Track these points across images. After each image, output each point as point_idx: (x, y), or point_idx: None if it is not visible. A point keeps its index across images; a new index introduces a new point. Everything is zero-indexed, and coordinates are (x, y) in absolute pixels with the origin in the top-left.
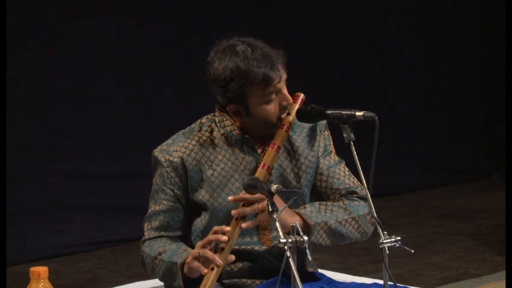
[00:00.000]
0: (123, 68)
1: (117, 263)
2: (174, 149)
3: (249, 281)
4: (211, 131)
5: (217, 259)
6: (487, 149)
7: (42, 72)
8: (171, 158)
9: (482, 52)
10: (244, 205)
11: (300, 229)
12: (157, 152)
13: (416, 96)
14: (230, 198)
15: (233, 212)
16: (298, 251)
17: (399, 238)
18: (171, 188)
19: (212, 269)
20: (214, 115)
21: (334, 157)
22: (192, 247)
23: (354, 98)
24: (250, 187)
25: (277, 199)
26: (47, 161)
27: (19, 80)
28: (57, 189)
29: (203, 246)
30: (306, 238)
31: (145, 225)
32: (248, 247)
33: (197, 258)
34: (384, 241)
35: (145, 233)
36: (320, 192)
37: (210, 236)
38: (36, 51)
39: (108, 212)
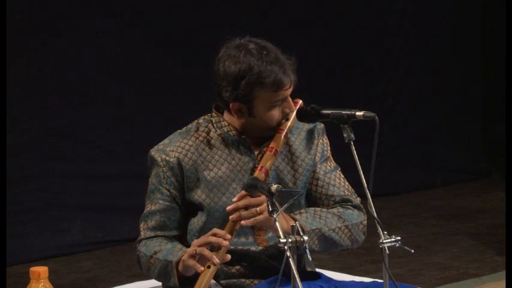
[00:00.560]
0: (123, 68)
1: (117, 263)
2: (170, 149)
3: (248, 281)
4: (208, 132)
5: (215, 257)
6: (487, 149)
7: (42, 72)
8: (167, 158)
9: (482, 52)
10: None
11: (300, 229)
12: (153, 152)
13: (416, 96)
14: (228, 208)
15: (231, 217)
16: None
17: (399, 238)
18: (167, 187)
19: (209, 267)
20: (211, 115)
21: (330, 163)
22: (188, 247)
23: (354, 98)
24: (250, 187)
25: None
26: (47, 161)
27: (19, 80)
28: (57, 189)
29: (200, 246)
30: (305, 238)
31: (142, 225)
32: (244, 248)
33: (193, 256)
34: (384, 241)
35: (141, 233)
36: (315, 198)
37: (211, 238)
38: (36, 51)
39: (108, 212)
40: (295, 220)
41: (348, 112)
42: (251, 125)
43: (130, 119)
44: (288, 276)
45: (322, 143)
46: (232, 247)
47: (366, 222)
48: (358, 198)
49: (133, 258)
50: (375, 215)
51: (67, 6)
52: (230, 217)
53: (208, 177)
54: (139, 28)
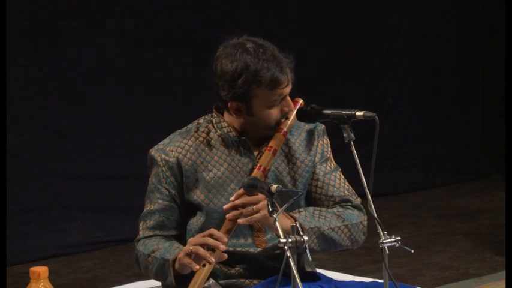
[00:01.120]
0: (123, 68)
1: (117, 263)
2: (170, 149)
3: (247, 281)
4: (208, 132)
5: (210, 256)
6: (487, 149)
7: (42, 72)
8: (167, 158)
9: (482, 52)
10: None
11: (300, 229)
12: (153, 152)
13: (416, 96)
14: (225, 206)
15: (228, 215)
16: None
17: (399, 238)
18: (167, 187)
19: (204, 265)
20: (212, 116)
21: (330, 164)
22: None
23: (354, 98)
24: (250, 187)
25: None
26: (47, 161)
27: (19, 80)
28: (57, 189)
29: (197, 245)
30: (305, 238)
31: (141, 224)
32: (243, 249)
33: (189, 254)
34: (384, 241)
35: (140, 232)
36: (314, 199)
37: (209, 240)
38: (36, 51)
39: (108, 212)
40: (294, 218)
41: (348, 112)
42: (250, 124)
43: (131, 119)
44: (288, 276)
45: (322, 144)
46: (231, 248)
47: (366, 222)
48: (359, 199)
49: (133, 258)
50: (375, 215)
51: (67, 6)
52: (227, 215)
53: (208, 177)
54: (139, 28)
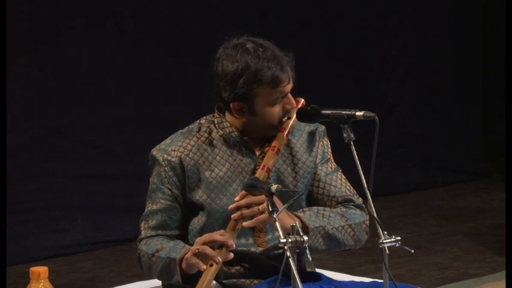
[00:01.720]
0: (123, 68)
1: (117, 263)
2: (172, 149)
3: (248, 281)
4: (210, 132)
5: (217, 256)
6: (487, 149)
7: (42, 72)
8: (169, 158)
9: (482, 52)
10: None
11: (300, 229)
12: (155, 152)
13: (416, 96)
14: (230, 207)
15: (233, 216)
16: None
17: (399, 238)
18: (169, 187)
19: (211, 265)
20: (214, 116)
21: (331, 165)
22: (190, 246)
23: (353, 98)
24: (251, 187)
25: (275, 200)
26: (47, 161)
27: (19, 80)
28: (57, 189)
29: (204, 244)
30: (305, 238)
31: (142, 224)
32: (244, 249)
33: (196, 254)
34: (384, 241)
35: (142, 232)
36: (316, 199)
37: (217, 237)
38: (36, 51)
39: (108, 212)
40: (298, 218)
41: (348, 112)
42: (253, 124)
43: (131, 119)
44: (288, 276)
45: (323, 145)
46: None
47: (368, 222)
48: (360, 199)
49: (133, 258)
50: (375, 215)
51: (67, 6)
52: (232, 216)
53: (210, 177)
54: (139, 28)
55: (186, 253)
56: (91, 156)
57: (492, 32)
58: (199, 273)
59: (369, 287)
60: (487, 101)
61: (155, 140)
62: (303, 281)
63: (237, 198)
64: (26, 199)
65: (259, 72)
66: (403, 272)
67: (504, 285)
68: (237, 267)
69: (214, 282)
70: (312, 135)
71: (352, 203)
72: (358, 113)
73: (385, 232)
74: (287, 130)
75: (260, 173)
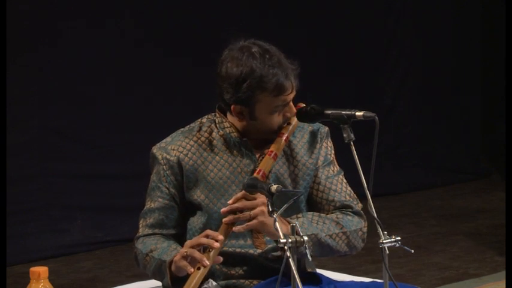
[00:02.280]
0: (123, 68)
1: (117, 263)
2: (171, 148)
3: (247, 282)
4: (211, 132)
5: (205, 260)
6: (487, 149)
7: (42, 72)
8: (168, 156)
9: (482, 52)
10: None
11: (299, 229)
12: (155, 150)
13: (416, 96)
14: (222, 210)
15: (224, 220)
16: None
17: (399, 238)
18: (167, 186)
19: (199, 268)
20: (215, 115)
21: (334, 168)
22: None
23: (353, 98)
24: (250, 187)
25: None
26: (47, 161)
27: (19, 80)
28: (57, 189)
29: (192, 247)
30: (305, 238)
31: (141, 222)
32: (243, 250)
33: (185, 257)
34: (384, 241)
35: (140, 230)
36: (315, 202)
37: (202, 240)
38: (36, 51)
39: (108, 212)
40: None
41: (347, 112)
42: (252, 128)
43: (131, 119)
44: (288, 276)
45: (326, 147)
46: (230, 250)
47: (366, 229)
48: (360, 204)
49: (133, 258)
50: (375, 215)
51: (67, 6)
52: (223, 220)
53: (208, 177)
54: (139, 28)
55: (176, 256)
56: (91, 156)
57: (492, 32)
58: (189, 276)
59: (369, 287)
60: (487, 101)
61: (155, 140)
62: (302, 282)
63: (230, 202)
64: (26, 199)
65: (263, 78)
66: (403, 272)
67: (504, 285)
68: (237, 269)
69: (214, 283)
70: (313, 136)
71: (350, 209)
72: (358, 113)
73: (385, 232)
74: (286, 135)
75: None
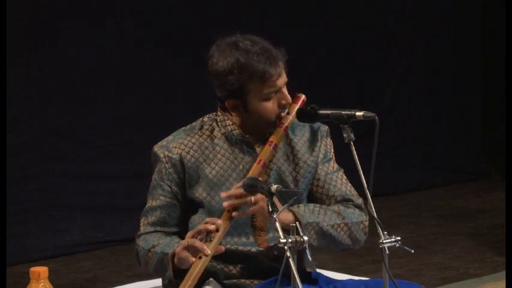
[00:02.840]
0: (123, 68)
1: (117, 263)
2: (173, 146)
3: (248, 281)
4: (212, 130)
5: (206, 248)
6: (487, 149)
7: (42, 72)
8: (170, 154)
9: (482, 52)
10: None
11: (300, 229)
12: (157, 148)
13: (416, 96)
14: (223, 194)
15: (225, 204)
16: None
17: (399, 238)
18: (169, 184)
19: (200, 257)
20: (216, 114)
21: (333, 165)
22: None
23: (353, 98)
24: (250, 187)
25: (275, 200)
26: (47, 161)
27: (19, 80)
28: (57, 189)
29: (193, 236)
30: (305, 238)
31: (142, 220)
32: (245, 249)
33: (186, 248)
34: (384, 241)
35: (141, 228)
36: (316, 198)
37: (200, 226)
38: (36, 51)
39: (108, 212)
40: (292, 212)
41: (347, 112)
42: (251, 121)
43: (131, 119)
44: (288, 276)
45: (326, 145)
46: (233, 247)
47: (367, 223)
48: (361, 199)
49: (133, 258)
50: (375, 215)
51: (67, 6)
52: (224, 204)
53: (210, 175)
54: (139, 28)
55: (178, 248)
56: (91, 156)
57: (492, 32)
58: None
59: (369, 285)
60: (487, 101)
61: (155, 140)
62: (302, 282)
63: (223, 194)
64: (26, 199)
65: (248, 67)
66: (403, 272)
67: (504, 285)
68: (238, 267)
69: (213, 280)
70: (314, 135)
71: (352, 203)
72: (358, 113)
73: (385, 232)
74: (285, 125)
75: (256, 167)
